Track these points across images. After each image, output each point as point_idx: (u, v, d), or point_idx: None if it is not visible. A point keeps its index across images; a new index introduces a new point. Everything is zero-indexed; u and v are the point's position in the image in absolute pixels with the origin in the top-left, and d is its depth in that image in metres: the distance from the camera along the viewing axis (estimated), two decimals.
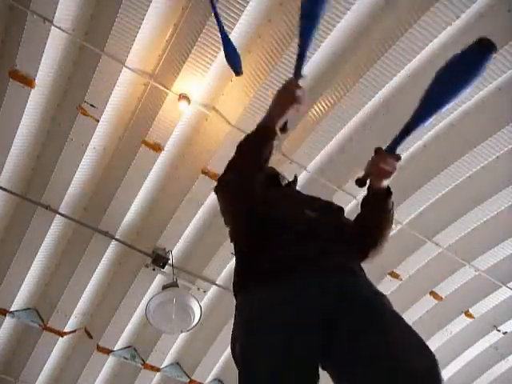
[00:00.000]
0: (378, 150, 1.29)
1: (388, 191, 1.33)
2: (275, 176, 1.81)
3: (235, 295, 1.31)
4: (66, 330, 4.01)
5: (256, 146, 1.36)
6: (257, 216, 1.37)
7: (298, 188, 1.88)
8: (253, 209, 1.37)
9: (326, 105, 3.03)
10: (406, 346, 1.03)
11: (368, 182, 1.33)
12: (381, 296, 1.19)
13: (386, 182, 1.30)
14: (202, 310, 3.51)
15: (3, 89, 2.94)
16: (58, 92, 3.05)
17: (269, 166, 1.73)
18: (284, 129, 1.36)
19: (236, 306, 1.26)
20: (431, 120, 1.26)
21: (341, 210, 1.55)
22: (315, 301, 1.12)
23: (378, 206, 1.35)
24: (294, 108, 1.30)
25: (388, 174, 1.28)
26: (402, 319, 1.11)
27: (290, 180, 1.85)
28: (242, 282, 1.30)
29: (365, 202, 1.40)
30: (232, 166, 1.39)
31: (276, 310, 1.13)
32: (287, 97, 1.34)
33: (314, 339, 1.07)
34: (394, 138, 1.29)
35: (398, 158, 1.29)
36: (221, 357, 4.16)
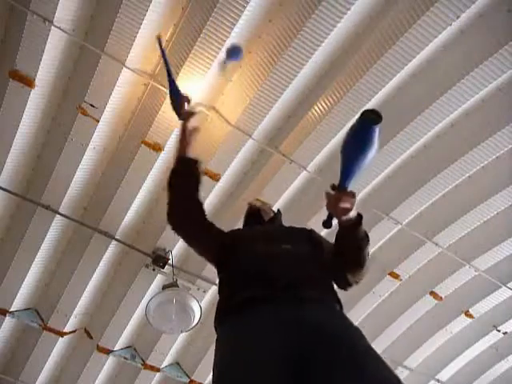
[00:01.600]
0: (333, 188, 1.30)
1: (357, 220, 1.34)
2: (255, 213, 1.86)
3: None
4: (66, 330, 4.01)
5: (176, 180, 1.49)
6: (225, 253, 1.45)
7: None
8: (222, 246, 1.48)
9: (326, 105, 3.03)
10: (379, 380, 1.01)
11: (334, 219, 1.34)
12: (353, 330, 1.19)
13: (351, 214, 1.30)
14: (202, 309, 3.51)
15: (3, 89, 2.94)
16: (57, 92, 3.05)
17: (249, 205, 1.82)
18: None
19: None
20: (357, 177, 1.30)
21: (318, 239, 1.56)
22: (282, 337, 1.10)
23: (349, 237, 1.36)
24: (186, 130, 1.34)
25: (346, 212, 1.28)
26: (374, 353, 1.10)
27: (272, 215, 1.90)
28: (217, 314, 1.34)
29: (337, 235, 1.41)
30: (169, 205, 1.55)
31: (241, 347, 1.13)
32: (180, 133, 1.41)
33: (282, 377, 1.03)
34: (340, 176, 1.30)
35: (353, 195, 1.29)
36: None
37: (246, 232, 1.72)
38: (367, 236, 1.39)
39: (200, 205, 1.56)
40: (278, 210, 1.97)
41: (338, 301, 1.35)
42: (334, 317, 1.24)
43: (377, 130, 1.20)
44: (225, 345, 1.20)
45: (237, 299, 1.27)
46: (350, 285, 1.46)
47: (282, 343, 1.09)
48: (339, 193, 1.27)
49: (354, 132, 1.23)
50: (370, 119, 1.22)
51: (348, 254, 1.38)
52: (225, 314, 1.30)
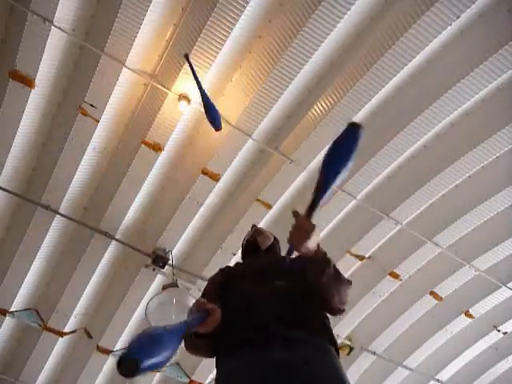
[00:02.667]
0: (295, 215, 1.31)
1: (316, 253, 1.33)
2: (252, 244, 1.87)
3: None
4: (66, 330, 4.01)
5: (190, 346, 1.44)
6: (221, 292, 1.50)
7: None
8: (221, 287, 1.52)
9: (326, 105, 3.03)
10: None
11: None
12: (333, 373, 1.22)
13: (310, 245, 1.29)
14: None
15: (3, 89, 2.94)
16: (57, 92, 3.05)
17: (245, 239, 1.89)
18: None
19: None
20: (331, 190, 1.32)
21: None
22: (266, 379, 1.15)
23: (313, 269, 1.36)
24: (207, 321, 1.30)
25: (304, 240, 1.27)
26: None
27: (269, 243, 1.88)
28: (215, 353, 1.39)
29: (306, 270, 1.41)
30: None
31: None
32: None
33: None
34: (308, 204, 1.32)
35: (313, 227, 1.28)
36: None
37: (239, 269, 1.71)
38: (329, 262, 1.38)
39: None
40: (275, 238, 1.93)
41: (329, 338, 1.35)
42: (318, 359, 1.25)
43: (360, 135, 1.25)
44: (221, 378, 1.30)
45: (226, 341, 1.33)
46: (334, 311, 1.43)
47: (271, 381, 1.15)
48: (302, 219, 1.29)
49: (343, 139, 1.29)
50: (354, 127, 1.27)
51: (315, 283, 1.38)
52: (217, 354, 1.38)
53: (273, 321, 1.29)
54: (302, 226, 1.28)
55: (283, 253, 1.42)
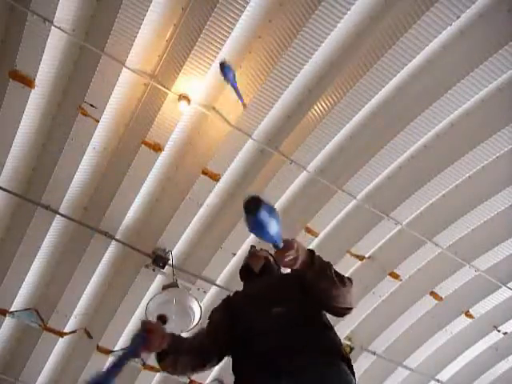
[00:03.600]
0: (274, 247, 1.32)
1: (307, 260, 1.35)
2: (245, 267, 1.88)
3: None
4: (66, 330, 4.01)
5: (164, 368, 1.45)
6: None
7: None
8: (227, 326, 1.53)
9: (326, 105, 3.03)
10: None
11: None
12: None
13: (300, 260, 1.31)
14: (202, 310, 3.51)
15: (3, 89, 2.94)
16: (57, 92, 3.05)
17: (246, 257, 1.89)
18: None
19: None
20: None
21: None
22: None
23: (308, 277, 1.39)
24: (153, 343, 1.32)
25: (293, 262, 1.30)
26: None
27: (262, 263, 1.86)
28: None
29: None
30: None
31: None
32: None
33: None
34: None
35: (288, 247, 1.28)
36: None
37: (238, 298, 1.72)
38: (326, 267, 1.41)
39: (193, 354, 1.47)
40: (267, 258, 1.91)
41: (338, 353, 1.38)
42: (328, 377, 1.29)
43: (260, 215, 1.22)
44: None
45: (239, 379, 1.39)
46: (338, 312, 1.47)
47: None
48: (278, 251, 1.29)
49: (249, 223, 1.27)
50: (250, 208, 1.26)
51: (316, 291, 1.41)
52: None
53: (277, 352, 1.32)
54: (283, 251, 1.29)
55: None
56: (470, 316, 4.19)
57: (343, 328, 4.14)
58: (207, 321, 1.63)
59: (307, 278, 1.39)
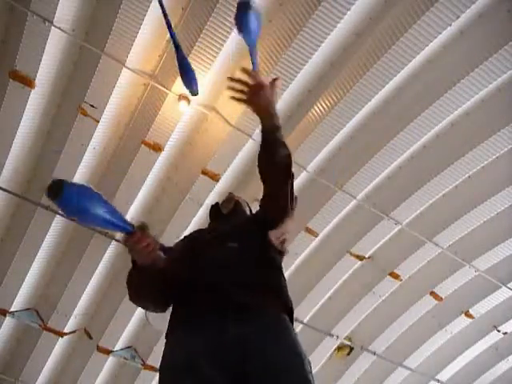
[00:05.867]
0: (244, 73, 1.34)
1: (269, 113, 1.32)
2: (214, 207, 1.83)
3: None
4: (66, 330, 4.01)
5: (129, 279, 1.46)
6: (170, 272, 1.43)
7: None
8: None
9: (326, 105, 3.03)
10: None
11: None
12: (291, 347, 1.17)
13: (267, 110, 1.30)
14: None
15: (3, 89, 2.94)
16: (57, 92, 3.05)
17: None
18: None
19: None
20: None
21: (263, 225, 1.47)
22: (221, 352, 1.11)
23: (264, 144, 1.34)
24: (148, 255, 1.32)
25: (257, 95, 1.29)
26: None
27: (231, 207, 1.80)
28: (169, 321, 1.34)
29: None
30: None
31: (171, 362, 1.17)
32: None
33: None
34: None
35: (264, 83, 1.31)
36: None
37: (198, 234, 1.68)
38: (281, 146, 1.34)
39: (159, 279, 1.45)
40: (238, 202, 1.84)
41: (284, 304, 1.30)
42: (274, 332, 1.20)
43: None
44: (163, 357, 1.23)
45: (177, 313, 1.32)
46: (277, 214, 1.41)
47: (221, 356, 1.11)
48: (253, 74, 1.31)
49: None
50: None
51: (265, 166, 1.36)
52: (170, 321, 1.33)
53: (226, 283, 1.25)
54: (256, 81, 1.30)
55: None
56: (470, 316, 4.19)
57: (343, 328, 4.15)
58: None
59: (264, 133, 1.33)
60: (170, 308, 1.40)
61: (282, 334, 1.20)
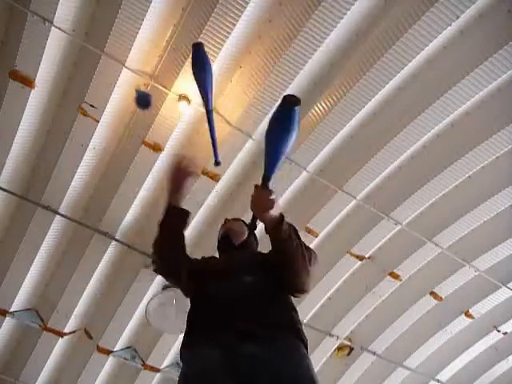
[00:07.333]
0: (255, 188, 1.34)
1: (278, 220, 1.34)
2: (225, 239, 1.89)
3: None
4: (66, 330, 4.00)
5: (163, 221, 1.78)
6: (186, 281, 1.61)
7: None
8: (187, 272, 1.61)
9: (326, 105, 3.03)
10: None
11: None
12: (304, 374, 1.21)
13: (272, 213, 1.31)
14: None
15: (3, 89, 2.94)
16: (58, 92, 3.05)
17: (221, 228, 1.95)
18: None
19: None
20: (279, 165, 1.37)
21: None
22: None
23: (275, 241, 1.37)
24: (184, 180, 1.57)
25: (265, 208, 1.30)
26: None
27: (244, 239, 1.88)
28: (184, 340, 1.44)
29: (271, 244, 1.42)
30: (153, 244, 1.79)
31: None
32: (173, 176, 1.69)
33: None
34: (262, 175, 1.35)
35: (270, 192, 1.31)
36: None
37: (208, 263, 1.75)
38: (294, 236, 1.38)
39: (182, 241, 1.76)
40: (253, 234, 1.91)
41: (297, 334, 1.33)
42: (283, 356, 1.24)
43: (297, 111, 1.30)
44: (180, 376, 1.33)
45: (189, 335, 1.43)
46: (297, 290, 1.43)
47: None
48: (258, 189, 1.31)
49: (278, 115, 1.30)
50: (290, 102, 1.32)
51: (279, 258, 1.38)
52: (182, 346, 1.43)
53: (238, 319, 1.29)
54: (260, 194, 1.32)
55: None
56: (470, 316, 4.19)
57: (343, 328, 4.15)
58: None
59: (274, 235, 1.36)
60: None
61: (299, 359, 1.26)
